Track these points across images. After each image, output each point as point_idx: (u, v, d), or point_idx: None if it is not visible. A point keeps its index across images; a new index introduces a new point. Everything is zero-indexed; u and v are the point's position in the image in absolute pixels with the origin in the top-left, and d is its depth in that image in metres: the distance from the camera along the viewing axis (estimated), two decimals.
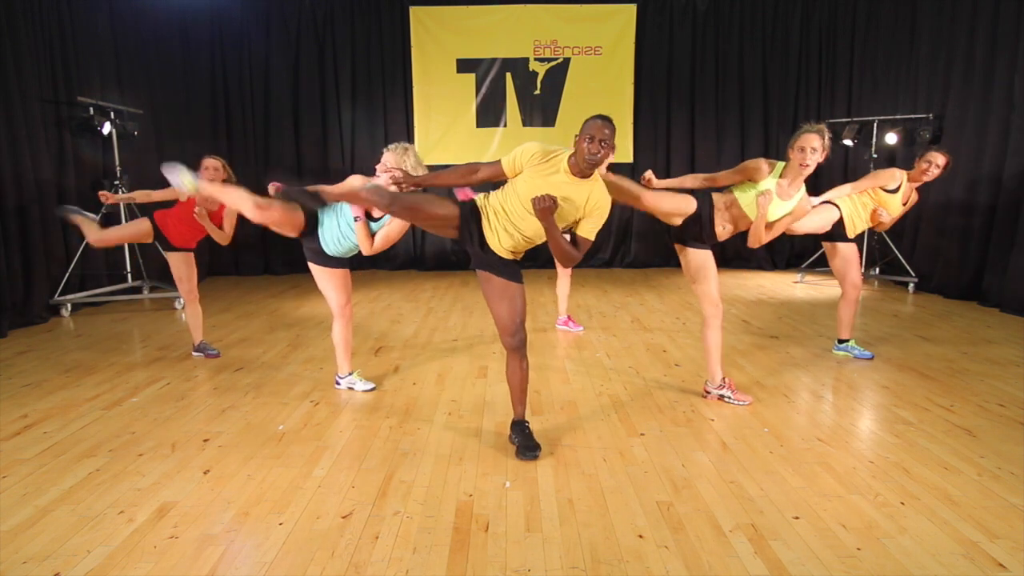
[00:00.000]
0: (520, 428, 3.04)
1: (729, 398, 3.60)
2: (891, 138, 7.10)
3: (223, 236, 4.33)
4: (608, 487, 2.63)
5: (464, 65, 8.57)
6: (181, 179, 3.58)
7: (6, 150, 5.53)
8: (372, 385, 3.88)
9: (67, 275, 6.09)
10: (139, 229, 4.41)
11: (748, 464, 2.83)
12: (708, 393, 3.66)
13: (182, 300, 6.39)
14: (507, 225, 2.80)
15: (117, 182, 6.54)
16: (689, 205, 3.45)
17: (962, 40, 6.40)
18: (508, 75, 8.60)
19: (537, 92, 8.67)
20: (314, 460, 2.91)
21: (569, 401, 3.65)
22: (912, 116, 7.02)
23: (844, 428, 3.22)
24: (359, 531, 2.32)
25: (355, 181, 3.58)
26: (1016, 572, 2.04)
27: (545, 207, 2.62)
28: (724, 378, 3.62)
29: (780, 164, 3.39)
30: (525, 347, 2.95)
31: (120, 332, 5.46)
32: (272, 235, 9.08)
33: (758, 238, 3.43)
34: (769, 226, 3.44)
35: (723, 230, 3.48)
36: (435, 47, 8.54)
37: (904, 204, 4.33)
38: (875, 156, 7.31)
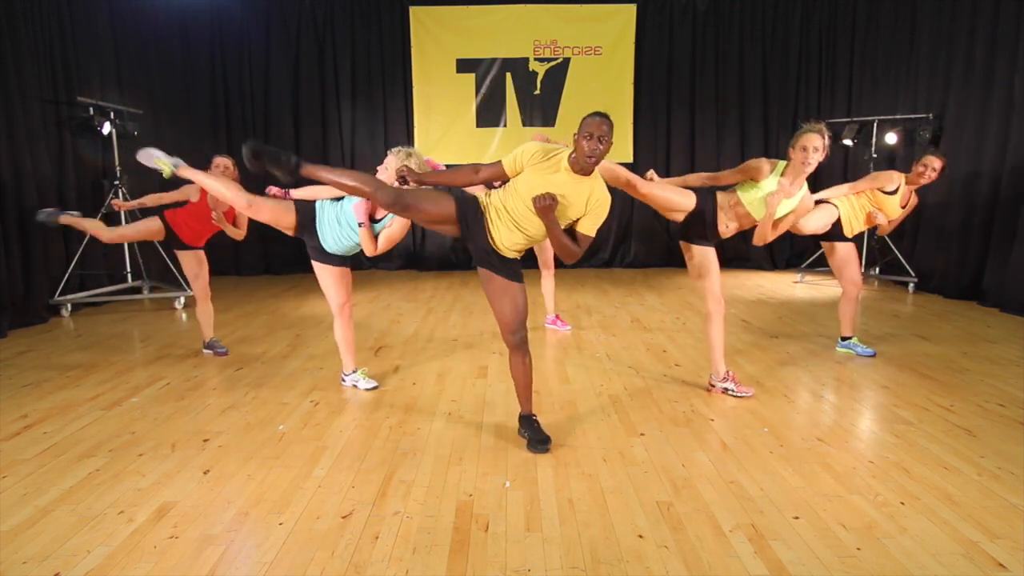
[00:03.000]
0: (529, 422, 3.08)
1: (732, 391, 3.64)
2: (891, 138, 7.10)
3: (238, 233, 4.38)
4: (608, 487, 2.63)
5: (464, 65, 8.57)
6: (157, 163, 3.61)
7: (6, 150, 5.54)
8: (375, 384, 3.89)
9: (67, 275, 6.08)
10: (150, 228, 4.43)
11: (748, 464, 2.83)
12: (712, 387, 3.70)
13: (182, 299, 6.45)
14: (510, 223, 2.81)
15: (117, 182, 6.54)
16: (688, 201, 3.49)
17: (962, 40, 6.40)
18: (508, 75, 8.60)
19: (537, 92, 8.67)
20: (314, 460, 2.91)
21: (569, 401, 3.65)
22: (912, 116, 7.02)
23: (844, 428, 3.22)
24: (359, 531, 2.32)
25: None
26: (1016, 572, 2.04)
27: (545, 205, 2.66)
28: (727, 371, 3.66)
29: (781, 163, 3.42)
30: (527, 344, 2.98)
31: (120, 332, 5.46)
32: (272, 235, 9.09)
33: (763, 236, 3.46)
34: (774, 224, 3.46)
35: (727, 228, 3.54)
36: (435, 47, 8.54)
37: (903, 207, 4.34)
38: (875, 156, 7.31)
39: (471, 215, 2.85)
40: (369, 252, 3.52)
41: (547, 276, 5.25)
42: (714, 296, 3.56)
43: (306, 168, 2.84)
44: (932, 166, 4.18)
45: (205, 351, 4.66)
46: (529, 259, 6.87)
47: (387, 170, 3.42)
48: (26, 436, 3.21)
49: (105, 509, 2.49)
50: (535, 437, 3.00)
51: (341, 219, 3.53)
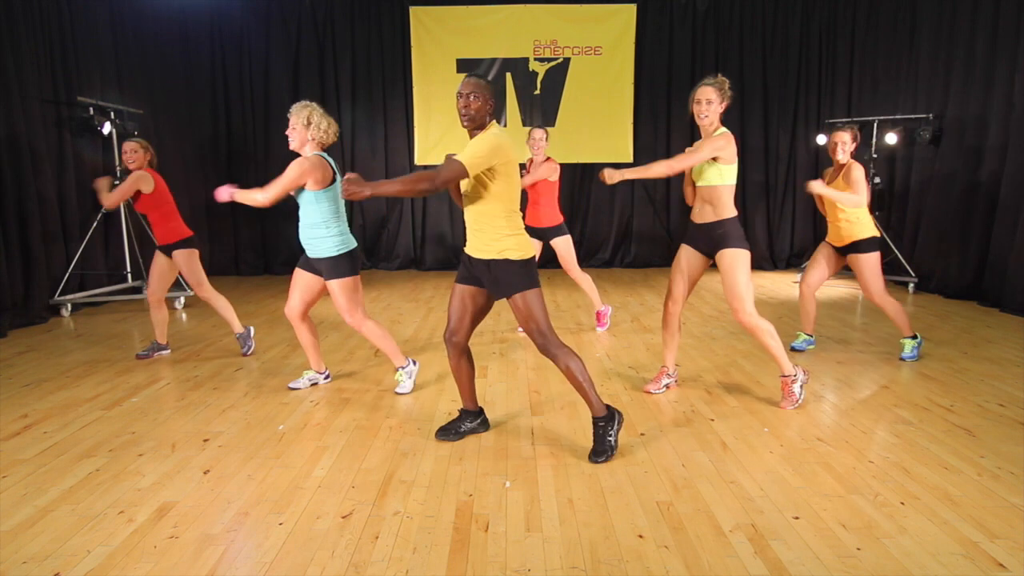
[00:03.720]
0: (594, 426, 2.92)
1: (802, 380, 3.54)
2: (891, 138, 7.10)
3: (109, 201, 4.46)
4: (608, 487, 2.63)
5: (464, 65, 8.58)
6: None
7: (6, 150, 5.54)
8: (408, 390, 3.84)
9: (67, 275, 6.09)
10: (160, 263, 4.54)
11: (748, 464, 2.83)
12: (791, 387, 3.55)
13: (182, 299, 6.45)
14: (468, 228, 2.89)
15: (117, 182, 6.54)
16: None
17: (962, 40, 6.40)
18: (508, 75, 8.61)
19: (537, 92, 8.68)
20: (314, 460, 2.91)
21: (569, 401, 3.65)
22: (912, 116, 7.02)
23: (844, 428, 3.22)
24: (359, 531, 2.32)
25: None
26: (1016, 572, 2.04)
27: (348, 182, 2.58)
28: (796, 365, 3.57)
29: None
30: (562, 348, 2.84)
31: (120, 332, 5.46)
32: (272, 235, 9.09)
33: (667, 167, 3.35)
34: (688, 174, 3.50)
35: (699, 212, 3.51)
36: (435, 47, 8.55)
37: (845, 180, 4.19)
38: (875, 156, 7.31)
39: (463, 266, 2.95)
40: (266, 200, 3.42)
41: (579, 279, 5.15)
42: (742, 309, 3.40)
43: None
44: (840, 140, 4.20)
45: (156, 353, 4.66)
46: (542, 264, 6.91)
47: (294, 130, 3.51)
48: (26, 436, 3.21)
49: (105, 509, 2.49)
50: (595, 447, 2.90)
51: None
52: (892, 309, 4.24)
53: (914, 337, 4.35)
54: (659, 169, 3.31)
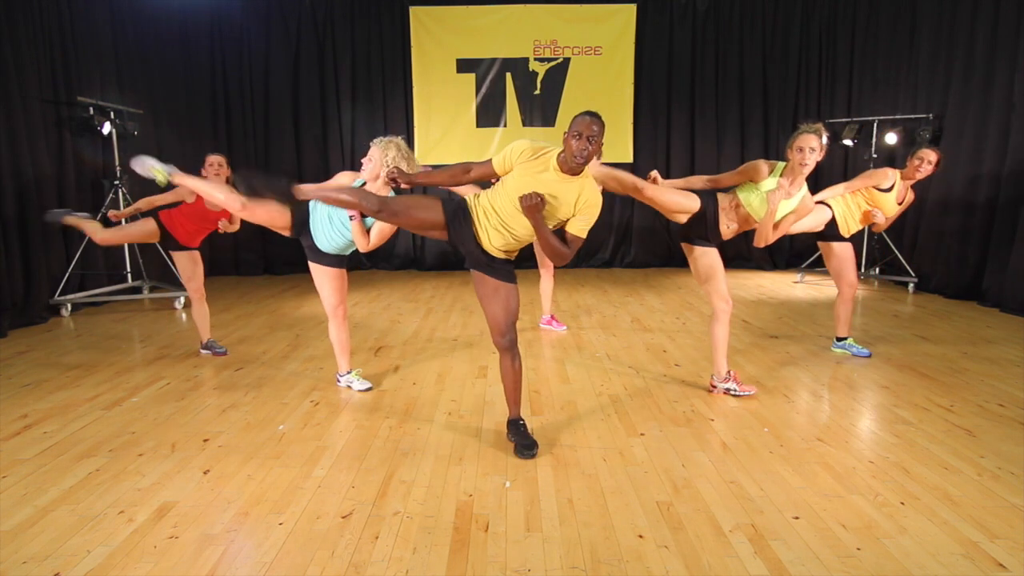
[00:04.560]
0: (516, 426, 3.06)
1: (735, 391, 3.64)
2: (891, 138, 7.10)
3: (232, 227, 4.49)
4: (608, 487, 2.63)
5: (464, 65, 8.58)
6: (150, 170, 3.63)
7: (6, 150, 5.54)
8: (369, 385, 3.89)
9: (67, 275, 6.08)
10: (145, 229, 4.44)
11: (748, 464, 2.83)
12: (714, 388, 3.70)
13: (182, 299, 6.44)
14: (498, 224, 2.80)
15: (117, 182, 6.55)
16: (692, 203, 3.52)
17: (962, 40, 6.40)
18: (508, 75, 8.61)
19: (537, 92, 8.67)
20: (314, 460, 2.91)
21: (569, 401, 3.65)
22: (912, 116, 7.02)
23: (844, 428, 3.22)
24: (359, 531, 2.32)
25: (343, 178, 3.58)
26: (1016, 572, 2.04)
27: (532, 204, 2.63)
28: (729, 371, 3.66)
29: (780, 164, 3.45)
30: (516, 347, 2.96)
31: (120, 332, 5.46)
32: (272, 235, 9.09)
33: (765, 237, 3.48)
34: (774, 225, 3.47)
35: (727, 229, 3.56)
36: (435, 47, 8.55)
37: (900, 203, 4.35)
38: (875, 156, 7.31)
39: (459, 218, 2.84)
40: (362, 247, 3.51)
41: (546, 277, 5.24)
42: (721, 295, 3.56)
43: (298, 189, 2.92)
44: (928, 159, 4.18)
45: (203, 351, 4.66)
46: (527, 259, 6.91)
47: (371, 161, 3.42)
48: (26, 436, 3.21)
49: (105, 509, 2.49)
50: (521, 442, 2.96)
51: (332, 217, 3.52)
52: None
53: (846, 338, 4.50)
54: (765, 231, 3.49)
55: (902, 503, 2.47)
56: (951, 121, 6.57)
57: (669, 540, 2.24)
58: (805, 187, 3.47)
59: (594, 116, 2.64)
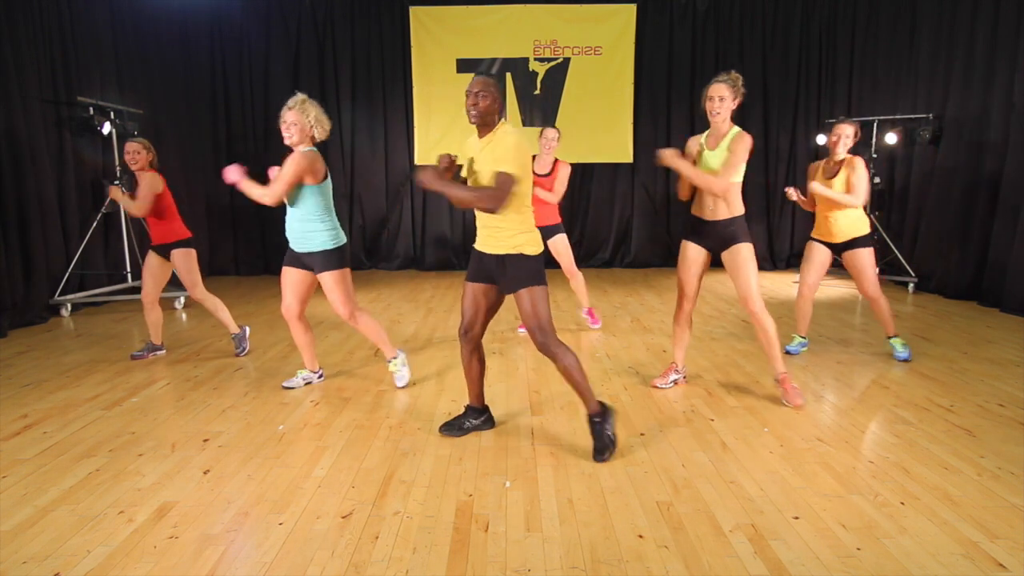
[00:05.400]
0: (591, 424, 2.93)
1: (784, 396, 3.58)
2: (891, 138, 7.10)
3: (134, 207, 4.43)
4: (608, 487, 2.63)
5: (464, 65, 8.57)
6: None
7: (6, 150, 5.54)
8: (407, 379, 3.94)
9: (67, 275, 6.09)
10: (151, 263, 4.48)
11: (748, 464, 2.83)
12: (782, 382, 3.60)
13: (182, 299, 6.44)
14: (481, 227, 2.91)
15: (117, 182, 6.54)
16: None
17: (962, 40, 6.40)
18: (508, 75, 8.61)
19: (537, 92, 8.68)
20: (314, 460, 2.91)
21: (569, 401, 3.65)
22: (912, 116, 7.02)
23: (844, 428, 3.22)
24: (359, 531, 2.32)
25: (273, 173, 3.67)
26: (1016, 572, 2.04)
27: (423, 177, 2.75)
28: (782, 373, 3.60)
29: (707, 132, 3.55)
30: (556, 346, 2.84)
31: (120, 332, 5.46)
32: (272, 235, 9.09)
33: (691, 179, 3.43)
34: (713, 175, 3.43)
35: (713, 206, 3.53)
36: (435, 47, 8.55)
37: (847, 179, 4.15)
38: (875, 156, 7.31)
39: (472, 263, 3.01)
40: (268, 199, 3.53)
41: (572, 277, 5.20)
42: (751, 299, 3.46)
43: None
44: (844, 134, 4.14)
45: (152, 354, 4.62)
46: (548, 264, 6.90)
47: (296, 125, 3.59)
48: (26, 436, 3.21)
49: (105, 509, 2.49)
50: (594, 444, 2.90)
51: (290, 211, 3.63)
52: (885, 304, 4.29)
53: (897, 336, 4.38)
54: (703, 181, 3.37)
55: (902, 503, 2.47)
56: (951, 121, 6.57)
57: (669, 540, 2.24)
58: (731, 135, 3.40)
59: (478, 75, 2.81)
